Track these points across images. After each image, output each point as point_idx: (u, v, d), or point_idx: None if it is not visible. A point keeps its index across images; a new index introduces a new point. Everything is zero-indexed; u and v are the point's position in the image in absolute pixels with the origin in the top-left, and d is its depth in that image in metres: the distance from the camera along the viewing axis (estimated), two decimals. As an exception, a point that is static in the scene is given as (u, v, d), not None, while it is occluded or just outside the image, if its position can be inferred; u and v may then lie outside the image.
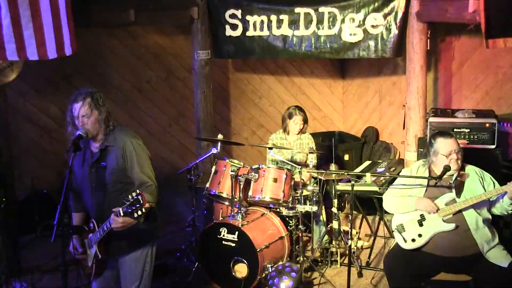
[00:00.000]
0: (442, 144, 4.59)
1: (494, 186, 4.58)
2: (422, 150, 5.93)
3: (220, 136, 5.96)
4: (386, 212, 5.60)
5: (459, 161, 4.55)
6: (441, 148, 4.58)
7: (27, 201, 6.84)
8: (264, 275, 5.35)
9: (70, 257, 4.21)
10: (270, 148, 6.08)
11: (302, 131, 6.42)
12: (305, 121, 6.40)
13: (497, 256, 4.44)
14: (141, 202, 3.71)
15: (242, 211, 5.58)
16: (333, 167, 5.98)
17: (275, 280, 5.19)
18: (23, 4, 4.75)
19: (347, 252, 5.20)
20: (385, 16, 6.32)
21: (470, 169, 4.68)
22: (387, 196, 4.87)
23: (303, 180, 5.91)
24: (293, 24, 6.71)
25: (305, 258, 5.75)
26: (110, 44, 7.54)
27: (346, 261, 5.76)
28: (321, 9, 6.55)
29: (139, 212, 3.74)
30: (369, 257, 6.07)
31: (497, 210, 4.57)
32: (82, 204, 4.25)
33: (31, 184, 6.89)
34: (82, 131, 3.93)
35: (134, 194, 3.73)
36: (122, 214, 3.79)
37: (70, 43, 5.19)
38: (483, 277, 4.43)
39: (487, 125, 5.72)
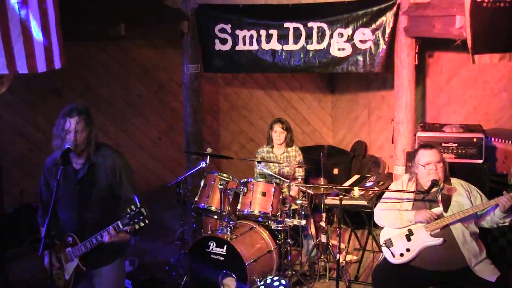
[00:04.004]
0: (421, 155, 4.66)
1: (482, 199, 4.60)
2: (410, 164, 5.96)
3: (209, 150, 5.97)
4: (375, 226, 5.62)
5: (440, 173, 4.58)
6: (420, 159, 4.65)
7: (15, 214, 6.79)
8: (252, 289, 5.35)
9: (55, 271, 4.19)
10: (259, 162, 6.10)
11: (286, 142, 6.43)
12: (287, 130, 6.42)
13: (484, 270, 4.45)
14: (145, 214, 3.85)
15: (231, 225, 5.58)
16: (322, 181, 6.00)
17: (263, 294, 5.19)
18: (13, 19, 4.75)
19: (335, 266, 5.20)
20: (373, 31, 6.36)
21: (456, 183, 4.71)
22: (380, 210, 4.87)
23: (291, 196, 5.92)
24: (282, 38, 6.75)
25: (293, 272, 5.74)
26: (101, 57, 7.56)
27: (334, 275, 5.73)
28: (310, 24, 6.59)
29: (142, 224, 3.87)
30: (357, 271, 6.06)
31: (486, 223, 4.59)
32: (55, 218, 4.18)
33: (19, 197, 6.85)
34: (70, 145, 3.94)
35: (133, 207, 3.86)
36: (121, 227, 3.89)
37: (60, 57, 5.20)
38: (470, 291, 4.45)
39: (475, 139, 5.76)
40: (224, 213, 5.65)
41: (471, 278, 4.45)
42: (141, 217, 3.84)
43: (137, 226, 3.87)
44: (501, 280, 4.39)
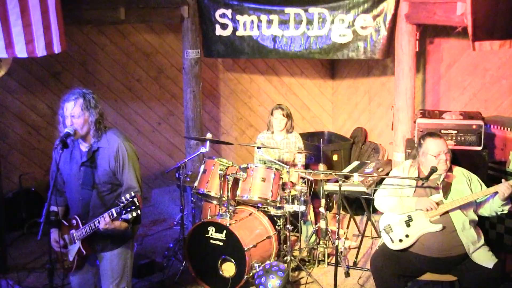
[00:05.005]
0: (431, 145, 4.63)
1: (481, 188, 4.61)
2: (409, 151, 5.97)
3: (209, 135, 5.97)
4: (374, 212, 5.64)
5: (447, 162, 4.59)
6: (430, 149, 4.62)
7: (14, 198, 6.81)
8: (251, 274, 5.37)
9: (56, 254, 4.22)
10: (259, 148, 6.10)
11: (286, 129, 6.44)
12: (288, 116, 6.41)
13: (482, 257, 4.48)
14: (137, 204, 3.85)
15: (230, 210, 5.59)
16: (321, 167, 6.01)
17: (262, 279, 5.20)
18: (12, 1, 4.73)
19: (334, 252, 5.22)
20: (374, 18, 6.34)
21: (457, 170, 4.72)
22: (381, 196, 4.88)
23: (292, 182, 5.93)
24: (283, 24, 6.72)
25: (292, 258, 5.77)
26: (100, 42, 7.53)
27: (333, 261, 5.78)
28: (311, 9, 6.56)
29: (134, 214, 3.86)
30: (356, 257, 6.09)
31: (485, 211, 4.61)
32: (64, 199, 4.27)
33: (19, 181, 6.85)
34: (70, 130, 3.95)
35: (128, 196, 3.86)
36: (115, 215, 3.89)
37: (59, 41, 5.18)
38: (468, 277, 4.47)
39: (474, 126, 5.75)
40: (223, 199, 5.66)
41: (468, 264, 4.48)
42: (133, 207, 3.84)
43: (129, 216, 3.86)
44: (498, 266, 4.42)
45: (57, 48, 5.22)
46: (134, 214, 3.86)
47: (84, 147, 4.13)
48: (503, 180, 4.39)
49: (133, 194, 3.86)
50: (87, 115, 4.02)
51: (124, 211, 3.84)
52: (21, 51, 4.94)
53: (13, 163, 7.06)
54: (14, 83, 6.97)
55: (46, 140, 7.20)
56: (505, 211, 4.55)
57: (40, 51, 5.06)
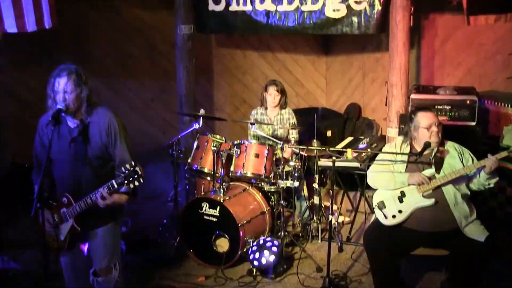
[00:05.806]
0: (422, 118, 4.64)
1: (473, 161, 4.63)
2: (403, 126, 5.96)
3: (202, 111, 5.95)
4: (367, 187, 5.65)
5: (439, 134, 4.60)
6: (421, 122, 4.63)
7: (7, 175, 6.77)
8: (245, 249, 5.39)
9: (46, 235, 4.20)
10: (252, 124, 6.09)
11: (280, 105, 6.42)
12: (282, 92, 6.40)
13: (474, 231, 4.50)
14: (139, 172, 3.80)
15: (224, 186, 5.59)
16: (315, 143, 6.00)
17: (256, 255, 5.23)
18: (0, -24, 4.67)
19: (328, 227, 5.24)
20: (368, -8, 6.30)
21: (450, 145, 4.73)
22: (373, 172, 4.89)
23: (284, 158, 5.93)
24: (277, -1, 6.68)
25: (286, 233, 5.79)
26: (92, 17, 7.44)
27: (327, 236, 5.80)
28: (305, -16, 6.52)
29: (136, 183, 3.83)
30: (349, 232, 6.12)
31: (474, 185, 4.64)
32: (49, 178, 4.22)
33: (11, 158, 6.82)
34: (62, 105, 3.92)
35: (128, 166, 3.81)
36: (115, 186, 3.86)
37: (50, 16, 5.12)
38: (460, 251, 4.48)
39: (468, 102, 5.76)
40: (217, 175, 5.66)
41: (461, 239, 4.50)
42: (136, 176, 3.81)
43: (131, 185, 3.84)
44: (490, 240, 4.44)
45: (47, 24, 5.16)
46: (137, 183, 3.83)
47: (72, 123, 4.09)
48: (489, 155, 4.42)
49: (133, 164, 3.82)
50: (79, 90, 3.99)
51: (126, 181, 3.81)
52: (11, 26, 4.88)
53: (5, 141, 7.01)
54: (4, 60, 6.88)
55: (39, 117, 7.13)
56: (491, 185, 4.60)
57: (31, 26, 5.01)
